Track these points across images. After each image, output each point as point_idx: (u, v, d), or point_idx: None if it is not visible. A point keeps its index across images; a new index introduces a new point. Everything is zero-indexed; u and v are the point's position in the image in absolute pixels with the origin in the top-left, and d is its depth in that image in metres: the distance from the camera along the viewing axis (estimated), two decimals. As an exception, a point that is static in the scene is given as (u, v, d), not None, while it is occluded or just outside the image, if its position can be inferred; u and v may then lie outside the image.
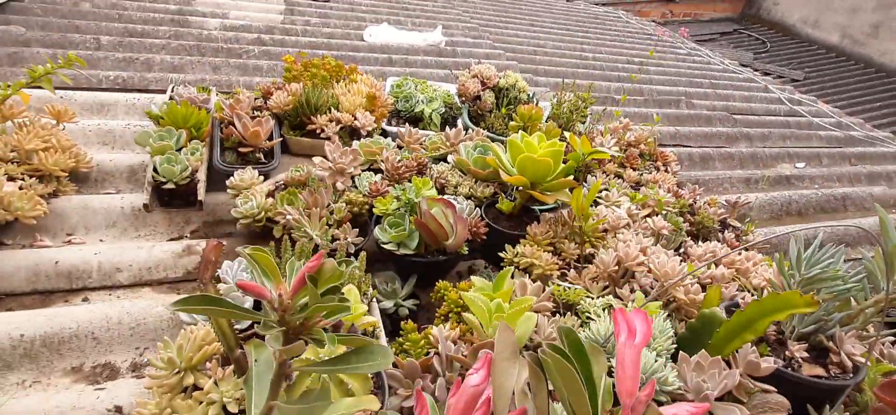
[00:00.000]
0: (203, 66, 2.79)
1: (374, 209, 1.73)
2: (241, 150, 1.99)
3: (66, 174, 1.78)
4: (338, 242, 1.60)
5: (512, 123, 2.41)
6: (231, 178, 1.79)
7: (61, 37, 2.76)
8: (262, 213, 1.70)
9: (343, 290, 1.02)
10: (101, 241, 1.69)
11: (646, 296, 1.52)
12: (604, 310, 1.38)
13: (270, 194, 1.81)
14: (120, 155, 2.00)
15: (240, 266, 1.43)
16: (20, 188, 1.59)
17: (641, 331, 0.78)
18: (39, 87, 1.81)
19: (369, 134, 2.27)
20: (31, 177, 1.67)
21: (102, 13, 3.17)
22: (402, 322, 1.34)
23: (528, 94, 2.77)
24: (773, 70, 7.72)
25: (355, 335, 1.13)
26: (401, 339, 1.31)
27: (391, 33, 3.75)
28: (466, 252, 1.67)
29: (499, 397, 0.83)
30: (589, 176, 2.20)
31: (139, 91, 2.49)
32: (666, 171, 2.49)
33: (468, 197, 1.91)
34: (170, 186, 1.78)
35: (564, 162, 1.78)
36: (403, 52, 3.60)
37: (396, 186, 1.82)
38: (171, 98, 2.19)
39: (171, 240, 1.74)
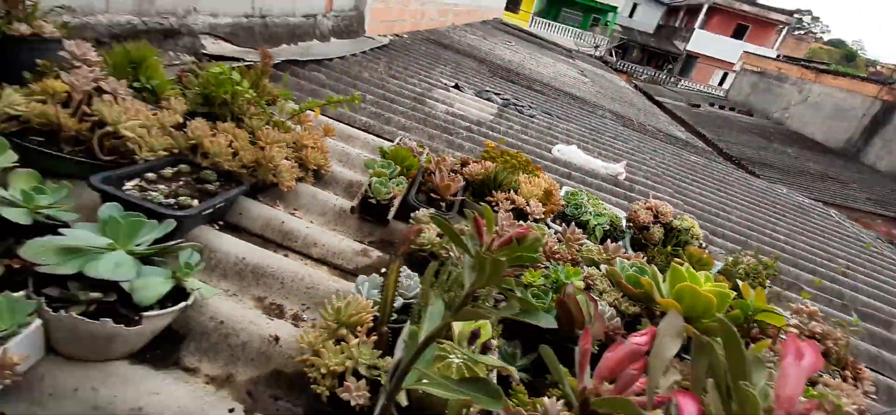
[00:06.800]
0: (423, 133, 3.25)
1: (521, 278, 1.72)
2: (432, 195, 2.21)
3: (314, 169, 2.20)
4: (481, 296, 1.61)
5: (676, 259, 2.18)
6: (415, 211, 1.99)
7: (345, 89, 3.55)
8: (429, 246, 1.83)
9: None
10: (311, 222, 2.02)
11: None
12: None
13: (440, 234, 1.95)
14: (347, 172, 2.41)
15: (363, 283, 1.50)
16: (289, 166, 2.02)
17: (809, 357, 0.78)
18: (315, 112, 2.35)
19: (536, 221, 2.30)
20: (295, 162, 2.11)
21: (374, 81, 4.01)
22: (513, 385, 1.26)
23: (701, 243, 2.49)
24: None
25: (491, 356, 1.19)
26: (509, 398, 1.23)
27: (577, 154, 3.83)
28: (597, 351, 1.51)
29: (656, 359, 0.88)
30: (751, 342, 1.82)
31: (375, 135, 3.01)
32: (855, 385, 1.91)
33: (611, 306, 1.75)
34: (372, 200, 2.06)
35: (730, 309, 1.52)
36: (583, 173, 3.62)
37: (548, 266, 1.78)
38: (397, 143, 2.59)
39: (356, 241, 1.98)
